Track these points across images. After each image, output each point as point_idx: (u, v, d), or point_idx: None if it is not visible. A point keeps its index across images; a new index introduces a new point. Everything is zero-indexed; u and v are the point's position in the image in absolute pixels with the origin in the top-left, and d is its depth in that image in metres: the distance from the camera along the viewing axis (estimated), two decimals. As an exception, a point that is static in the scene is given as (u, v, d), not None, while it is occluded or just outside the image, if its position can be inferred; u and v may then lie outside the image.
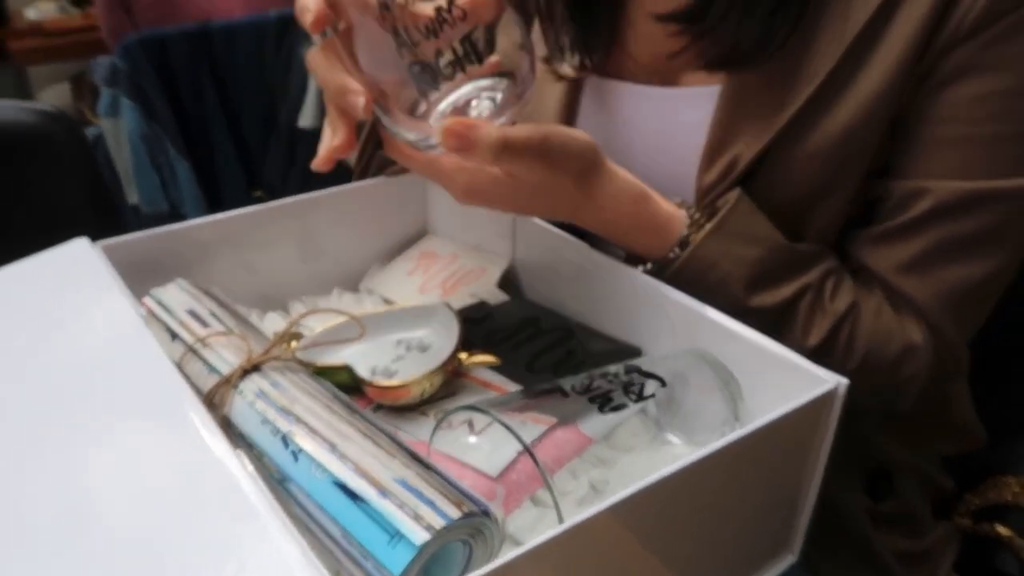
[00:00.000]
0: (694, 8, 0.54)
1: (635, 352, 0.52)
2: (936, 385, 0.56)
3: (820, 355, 0.52)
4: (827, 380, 0.41)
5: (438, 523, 0.33)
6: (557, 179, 0.47)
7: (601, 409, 0.43)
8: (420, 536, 0.32)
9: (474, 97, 0.45)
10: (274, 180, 1.93)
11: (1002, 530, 0.71)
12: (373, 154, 0.71)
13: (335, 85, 0.45)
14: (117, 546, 0.32)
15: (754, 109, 0.55)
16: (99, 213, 1.27)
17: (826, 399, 0.41)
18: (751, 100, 0.55)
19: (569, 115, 0.65)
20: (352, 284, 0.68)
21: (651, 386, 0.45)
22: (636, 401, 0.44)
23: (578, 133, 0.47)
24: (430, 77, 0.44)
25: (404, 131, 0.46)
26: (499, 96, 0.45)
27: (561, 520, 0.37)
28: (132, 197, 1.90)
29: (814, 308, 0.53)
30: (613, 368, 0.46)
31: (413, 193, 0.70)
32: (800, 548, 0.46)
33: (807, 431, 0.42)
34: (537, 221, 0.59)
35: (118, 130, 1.84)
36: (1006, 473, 0.76)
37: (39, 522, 0.34)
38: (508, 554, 0.31)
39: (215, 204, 1.85)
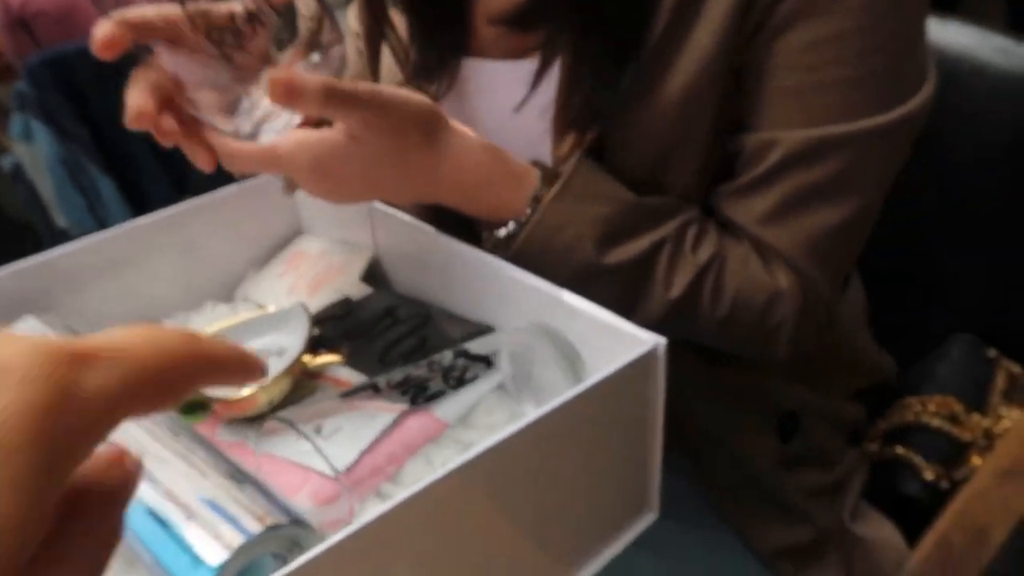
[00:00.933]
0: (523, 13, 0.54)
1: (487, 331, 0.51)
2: (807, 331, 0.57)
3: (684, 305, 0.52)
4: (646, 340, 0.41)
5: (236, 541, 0.33)
6: (405, 140, 0.46)
7: (414, 401, 0.43)
8: (218, 556, 0.32)
9: None
10: (202, 184, 1.90)
11: (900, 450, 0.72)
12: None
13: (131, 108, 0.45)
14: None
15: (595, 78, 0.54)
16: (22, 240, 1.24)
17: (647, 358, 0.41)
18: (590, 69, 0.55)
19: None
20: (229, 293, 0.67)
21: (476, 369, 0.45)
22: (456, 387, 0.44)
23: (415, 94, 0.47)
24: (241, 73, 0.44)
25: (226, 125, 0.46)
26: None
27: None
28: (59, 221, 1.87)
29: (674, 259, 0.53)
30: (439, 356, 0.46)
31: (280, 195, 0.69)
32: (658, 504, 0.47)
33: (637, 390, 0.42)
34: (392, 211, 0.58)
35: (35, 155, 1.81)
36: (913, 394, 0.77)
37: None
38: (328, 540, 0.31)
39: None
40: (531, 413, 0.50)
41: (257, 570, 0.35)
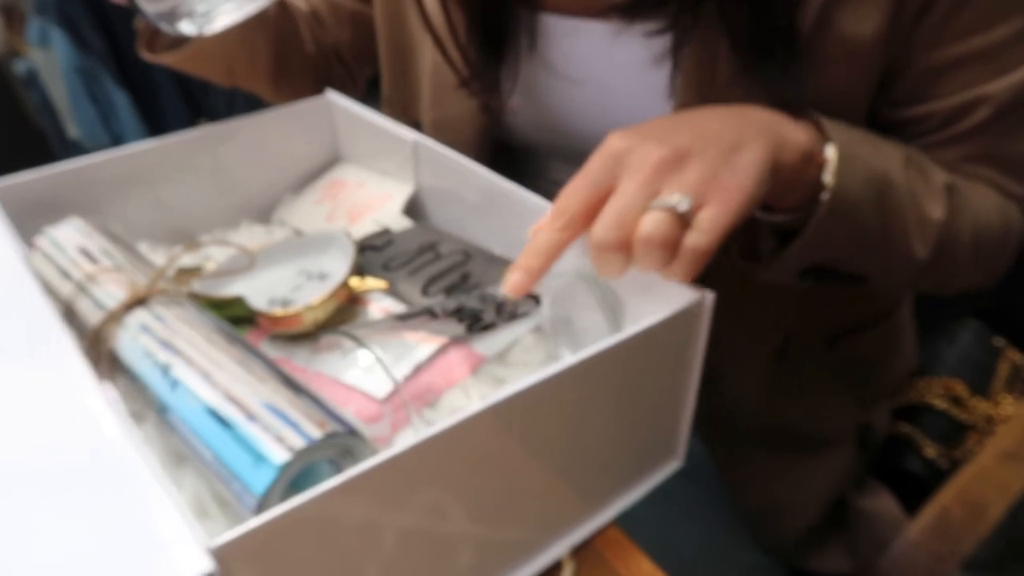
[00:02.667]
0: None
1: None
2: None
3: (946, 229, 0.50)
4: (693, 293, 0.42)
5: (298, 444, 0.34)
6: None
7: (470, 328, 0.44)
8: (281, 456, 0.34)
9: None
10: (218, 107, 1.89)
11: (905, 428, 0.74)
12: None
13: None
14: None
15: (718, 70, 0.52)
16: (24, 149, 1.23)
17: (693, 310, 0.42)
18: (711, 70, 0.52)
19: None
20: (264, 215, 0.68)
21: (527, 305, 0.46)
22: (508, 320, 0.45)
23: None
24: None
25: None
26: None
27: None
28: (72, 131, 1.85)
29: (923, 178, 0.50)
30: (492, 288, 0.47)
31: (321, 120, 0.69)
32: (684, 453, 0.48)
33: (679, 341, 0.43)
34: (437, 145, 0.58)
35: (51, 62, 1.78)
36: (923, 375, 0.79)
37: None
38: (381, 455, 0.32)
39: (158, 134, 1.81)
40: (567, 356, 0.52)
41: (312, 473, 0.36)
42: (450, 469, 0.36)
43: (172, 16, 0.45)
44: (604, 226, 0.39)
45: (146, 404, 0.42)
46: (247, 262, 0.50)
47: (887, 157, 0.49)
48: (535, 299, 0.47)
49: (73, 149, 1.83)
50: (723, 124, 0.43)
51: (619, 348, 0.39)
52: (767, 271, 0.50)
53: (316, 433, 0.35)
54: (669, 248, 0.38)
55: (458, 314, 0.44)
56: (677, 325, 0.42)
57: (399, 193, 0.62)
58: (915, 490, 0.72)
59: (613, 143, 0.41)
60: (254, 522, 0.29)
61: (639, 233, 0.38)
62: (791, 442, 0.68)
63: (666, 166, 0.40)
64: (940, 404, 0.75)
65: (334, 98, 0.67)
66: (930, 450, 0.71)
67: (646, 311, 0.45)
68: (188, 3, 0.45)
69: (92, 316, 0.45)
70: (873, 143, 0.48)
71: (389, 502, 0.34)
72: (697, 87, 0.53)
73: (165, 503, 0.30)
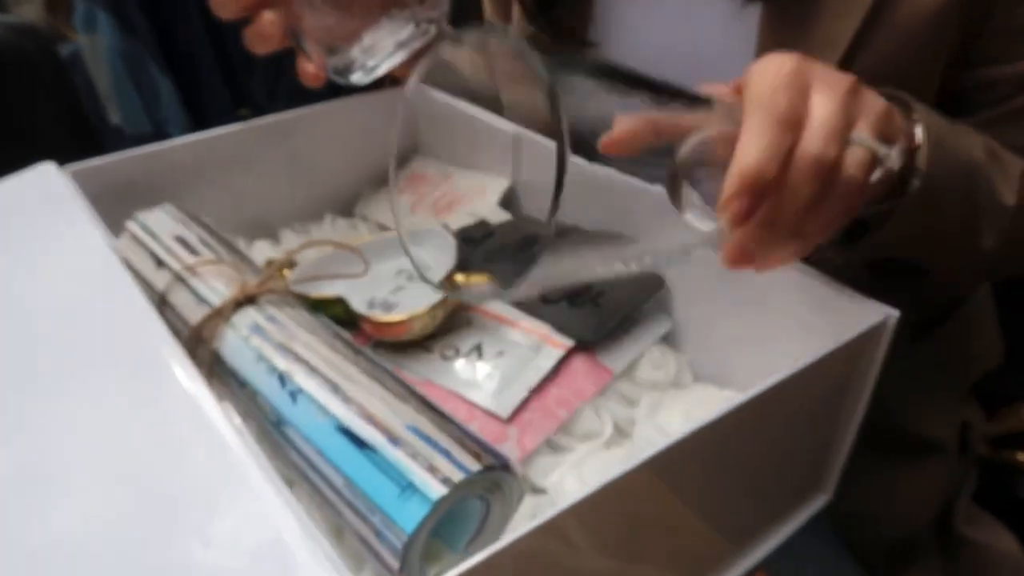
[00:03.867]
0: None
1: (658, 283, 0.48)
2: None
3: (1017, 214, 0.46)
4: (876, 311, 0.37)
5: (456, 476, 0.29)
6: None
7: (572, 303, 0.40)
8: (436, 490, 0.29)
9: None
10: (260, 98, 1.85)
11: (1014, 455, 0.69)
12: None
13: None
14: (85, 510, 0.29)
15: (809, 26, 0.49)
16: (75, 135, 1.20)
17: (875, 332, 0.37)
18: (793, 30, 0.50)
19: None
20: (344, 208, 0.63)
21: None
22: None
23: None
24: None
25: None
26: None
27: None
28: (114, 117, 1.82)
29: (997, 162, 0.47)
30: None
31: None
32: (834, 487, 0.43)
33: (852, 367, 0.39)
34: (538, 136, 0.54)
35: (96, 46, 1.75)
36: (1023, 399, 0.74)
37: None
38: (538, 508, 0.28)
39: (200, 123, 1.78)
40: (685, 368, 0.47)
41: (460, 510, 0.31)
42: (601, 513, 0.31)
43: (346, 71, 0.45)
44: (797, 184, 0.31)
45: (248, 414, 0.38)
46: (354, 265, 0.46)
47: (970, 143, 0.45)
48: (659, 283, 0.42)
49: (115, 135, 1.80)
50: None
51: (796, 379, 0.34)
52: (832, 258, 0.45)
53: (474, 465, 0.30)
54: (863, 195, 0.33)
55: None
56: (856, 348, 0.37)
57: (494, 186, 0.58)
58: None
59: (787, 63, 0.33)
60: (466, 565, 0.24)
61: (844, 174, 0.32)
62: (891, 442, 0.63)
63: (854, 95, 0.34)
64: (1056, 434, 0.70)
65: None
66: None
67: (795, 328, 0.41)
68: (361, 59, 0.45)
69: (191, 311, 0.41)
70: (954, 128, 0.44)
71: (547, 545, 0.29)
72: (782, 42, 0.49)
73: (308, 542, 0.26)
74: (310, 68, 0.44)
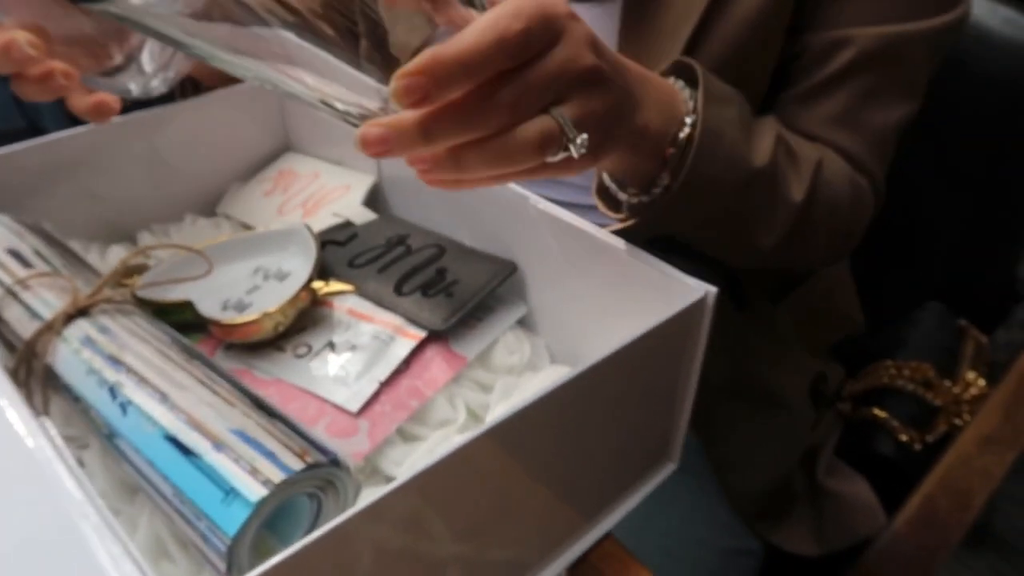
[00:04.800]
0: None
1: (510, 268, 0.49)
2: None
3: (805, 210, 0.49)
4: (697, 289, 0.39)
5: (277, 477, 0.30)
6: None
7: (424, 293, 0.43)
8: (256, 492, 0.29)
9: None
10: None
11: (878, 412, 0.73)
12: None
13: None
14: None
15: (658, 17, 0.52)
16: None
17: (696, 308, 0.39)
18: (651, 7, 0.52)
19: None
20: (207, 208, 0.62)
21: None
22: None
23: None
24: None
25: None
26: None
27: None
28: (-17, 116, 1.72)
29: (789, 159, 0.50)
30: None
31: (270, 104, 0.64)
32: (679, 455, 0.46)
33: (680, 340, 0.41)
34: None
35: (-44, 41, 1.65)
36: (885, 358, 0.79)
37: None
38: (374, 492, 0.28)
39: (79, 119, 1.70)
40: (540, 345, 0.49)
41: (290, 508, 0.32)
42: (445, 491, 0.32)
43: (136, 86, 0.47)
44: (475, 106, 0.30)
45: (89, 429, 0.37)
46: (204, 267, 0.45)
47: (757, 147, 0.47)
48: (511, 268, 0.44)
49: (-15, 134, 1.71)
50: (640, 78, 0.40)
51: (624, 352, 0.36)
52: (622, 226, 0.47)
53: (296, 464, 0.31)
54: (534, 162, 0.33)
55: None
56: (680, 323, 0.39)
57: (359, 183, 0.58)
58: (886, 474, 0.72)
59: (560, 8, 0.32)
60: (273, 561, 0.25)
61: (525, 134, 0.32)
62: (750, 392, 0.67)
63: (588, 77, 0.34)
64: (910, 387, 0.74)
65: (284, 79, 0.62)
66: (904, 434, 0.70)
67: (638, 308, 0.42)
68: (151, 71, 0.46)
69: (24, 326, 0.40)
70: (742, 132, 0.46)
71: (386, 527, 0.30)
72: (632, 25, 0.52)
73: (117, 550, 0.26)
74: (96, 99, 0.44)
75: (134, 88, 0.45)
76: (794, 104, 0.54)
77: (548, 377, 0.47)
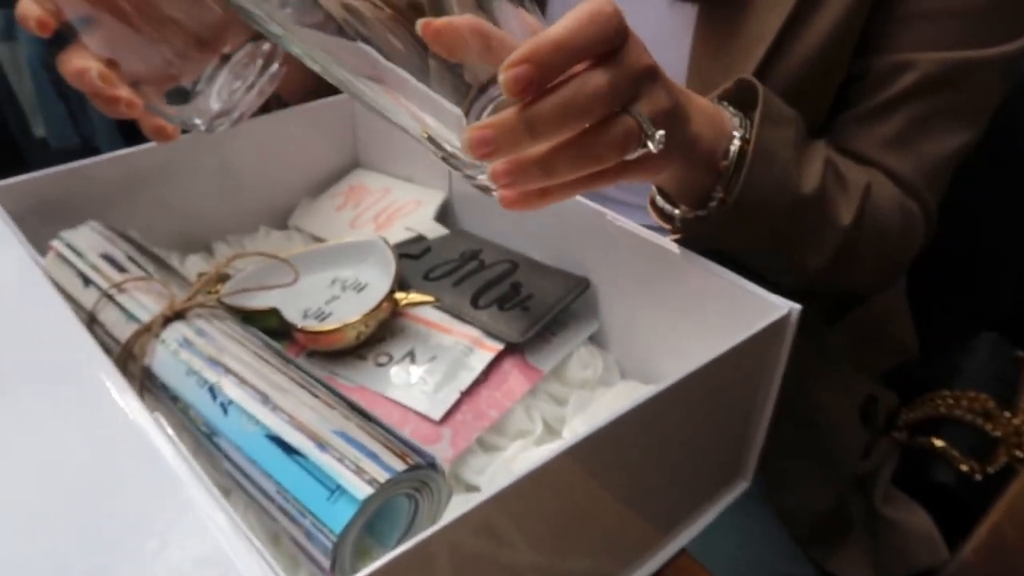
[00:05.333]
0: None
1: (583, 284, 0.50)
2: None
3: (853, 235, 0.50)
4: (781, 306, 0.39)
5: (382, 476, 0.31)
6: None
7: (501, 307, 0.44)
8: (362, 490, 0.30)
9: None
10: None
11: (937, 442, 0.73)
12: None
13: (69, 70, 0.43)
14: (18, 531, 0.29)
15: (734, 34, 0.53)
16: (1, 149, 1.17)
17: (780, 325, 0.39)
18: (727, 24, 0.53)
19: None
20: (278, 221, 0.64)
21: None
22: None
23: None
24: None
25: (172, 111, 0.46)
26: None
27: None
28: (39, 130, 1.77)
29: (839, 183, 0.50)
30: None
31: (341, 122, 0.66)
32: (753, 474, 0.46)
33: (761, 358, 0.41)
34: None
35: (16, 56, 1.70)
36: (940, 388, 0.78)
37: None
38: (468, 503, 0.29)
39: (129, 136, 1.74)
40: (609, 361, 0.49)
41: (386, 510, 0.33)
42: (529, 503, 0.33)
43: (202, 124, 0.48)
44: (575, 96, 0.31)
45: (183, 427, 0.38)
46: (287, 277, 0.46)
47: (807, 172, 0.48)
48: (585, 284, 0.45)
49: (40, 148, 1.75)
50: (681, 89, 0.41)
51: (706, 369, 0.36)
52: (676, 238, 0.48)
53: (399, 465, 0.31)
54: (616, 159, 0.33)
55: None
56: (763, 340, 0.39)
57: (430, 199, 0.59)
58: (944, 504, 0.71)
59: (609, 9, 0.32)
60: (382, 560, 0.25)
61: (609, 132, 0.33)
62: (798, 413, 0.66)
63: (652, 75, 0.35)
64: (968, 417, 0.74)
65: (357, 97, 0.64)
66: (964, 464, 0.70)
67: (720, 324, 0.43)
68: (218, 112, 0.48)
69: (120, 329, 0.41)
70: (794, 155, 0.47)
71: (475, 535, 0.31)
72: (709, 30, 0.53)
73: (245, 548, 0.26)
74: (159, 125, 0.46)
75: (200, 123, 0.48)
76: (852, 125, 0.54)
77: (622, 392, 0.47)
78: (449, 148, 0.34)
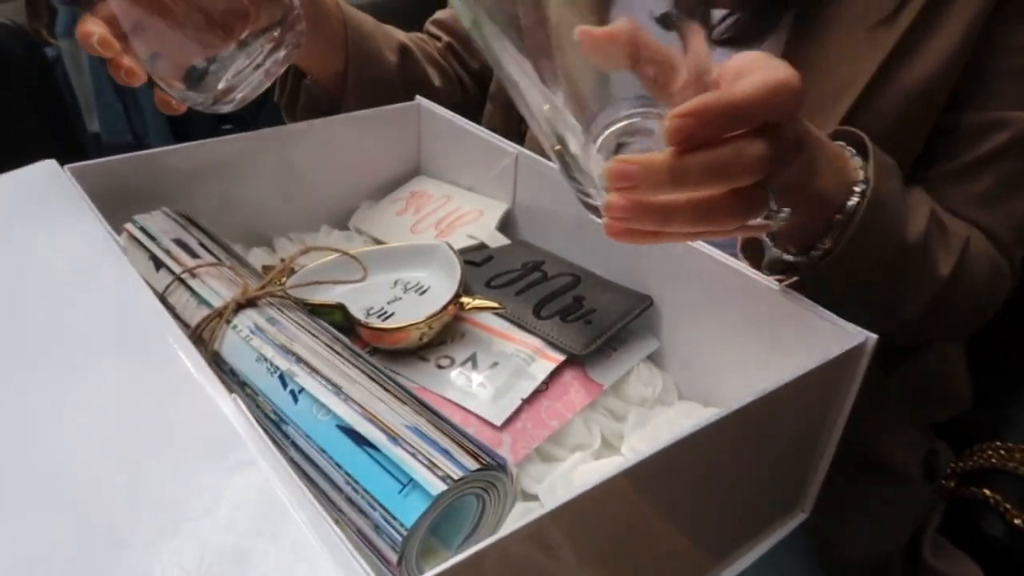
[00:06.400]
0: None
1: (647, 302, 0.49)
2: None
3: (951, 284, 0.50)
4: (856, 335, 0.39)
5: (456, 473, 0.30)
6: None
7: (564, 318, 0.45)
8: (436, 486, 0.30)
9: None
10: (244, 112, 1.85)
11: (989, 493, 0.71)
12: (298, 84, 0.69)
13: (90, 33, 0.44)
14: (96, 499, 0.29)
15: (819, 79, 0.52)
16: (60, 139, 1.19)
17: (854, 353, 0.39)
18: (813, 67, 0.52)
19: None
20: (339, 222, 0.64)
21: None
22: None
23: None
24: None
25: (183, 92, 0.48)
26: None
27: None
28: (93, 125, 1.81)
29: (940, 234, 0.50)
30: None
31: (406, 129, 0.66)
32: (811, 505, 0.45)
33: (832, 387, 0.40)
34: (540, 161, 0.56)
35: (78, 52, 1.75)
36: (991, 438, 0.76)
37: (6, 474, 0.31)
38: (531, 514, 0.28)
39: (181, 136, 1.77)
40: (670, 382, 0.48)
41: (453, 510, 0.32)
42: (584, 519, 0.32)
43: (208, 102, 0.50)
44: (731, 161, 0.31)
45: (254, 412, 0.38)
46: (352, 269, 0.47)
47: (912, 219, 0.48)
48: (648, 302, 0.44)
49: (94, 143, 1.79)
50: (818, 142, 0.41)
51: (774, 395, 0.36)
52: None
53: (471, 464, 0.31)
54: (735, 225, 0.33)
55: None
56: (836, 368, 0.39)
57: (493, 209, 0.59)
58: (994, 557, 0.69)
59: (796, 84, 0.33)
60: (456, 559, 0.25)
61: (739, 200, 0.32)
62: (858, 460, 0.65)
63: (801, 145, 0.36)
64: (1021, 470, 0.72)
65: (425, 105, 0.64)
66: (1016, 517, 0.68)
67: (788, 349, 0.42)
68: (224, 89, 0.48)
69: (190, 312, 0.41)
70: (901, 202, 0.47)
71: (532, 549, 0.30)
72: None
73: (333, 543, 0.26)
74: (165, 97, 0.48)
75: (202, 102, 0.49)
76: (941, 180, 0.54)
77: (681, 412, 0.46)
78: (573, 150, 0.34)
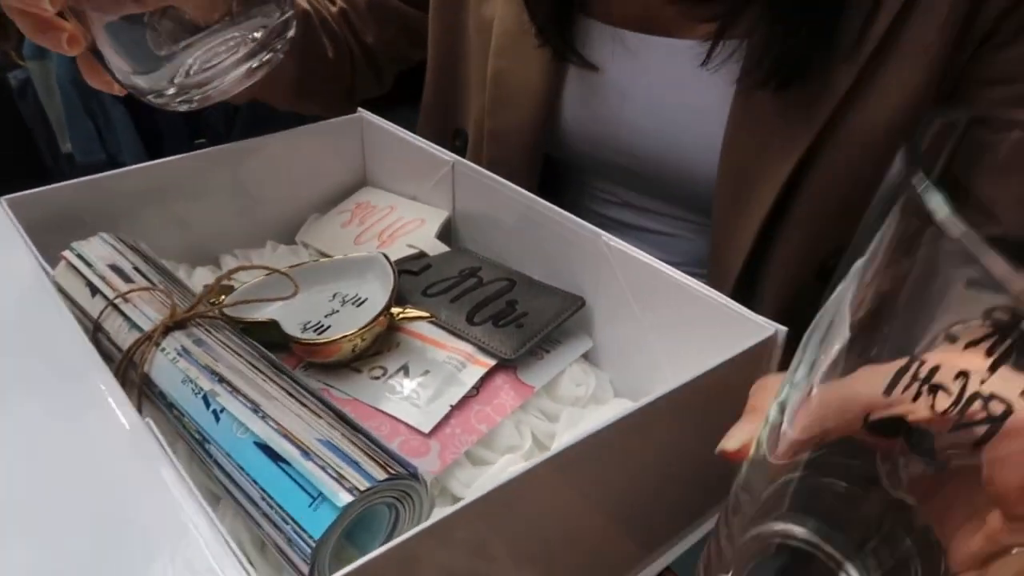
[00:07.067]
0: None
1: (579, 303, 0.50)
2: None
3: None
4: (767, 327, 0.40)
5: (362, 484, 0.31)
6: None
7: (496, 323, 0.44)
8: (342, 497, 0.31)
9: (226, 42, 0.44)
10: (218, 126, 1.86)
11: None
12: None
13: None
14: (9, 534, 0.30)
15: (779, 112, 0.53)
16: (21, 164, 1.20)
17: (765, 345, 0.40)
18: (772, 101, 0.53)
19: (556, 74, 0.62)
20: (288, 236, 0.65)
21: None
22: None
23: None
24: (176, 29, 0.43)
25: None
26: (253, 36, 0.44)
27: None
28: (66, 145, 1.82)
29: None
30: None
31: (350, 141, 0.67)
32: (740, 496, 0.46)
33: (748, 378, 0.41)
34: (475, 167, 0.57)
35: (47, 73, 1.75)
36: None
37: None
38: (442, 511, 0.30)
39: (155, 153, 1.78)
40: (607, 385, 0.50)
41: (369, 520, 0.33)
42: (509, 514, 0.33)
43: (166, 95, 0.46)
44: None
45: (177, 435, 0.39)
46: (289, 290, 0.48)
47: None
48: (580, 303, 0.45)
49: (66, 164, 1.79)
50: None
51: (690, 386, 0.37)
52: None
53: (380, 474, 0.32)
54: None
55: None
56: (748, 360, 0.40)
57: (433, 217, 0.60)
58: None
59: None
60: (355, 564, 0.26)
61: None
62: None
63: None
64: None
65: (367, 117, 0.65)
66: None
67: (712, 347, 0.43)
68: (187, 85, 0.45)
69: (123, 337, 0.42)
70: None
71: (452, 546, 0.31)
72: (748, 105, 0.53)
73: (223, 551, 0.27)
74: (96, 67, 0.43)
75: (152, 93, 0.45)
76: None
77: (613, 410, 0.47)
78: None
